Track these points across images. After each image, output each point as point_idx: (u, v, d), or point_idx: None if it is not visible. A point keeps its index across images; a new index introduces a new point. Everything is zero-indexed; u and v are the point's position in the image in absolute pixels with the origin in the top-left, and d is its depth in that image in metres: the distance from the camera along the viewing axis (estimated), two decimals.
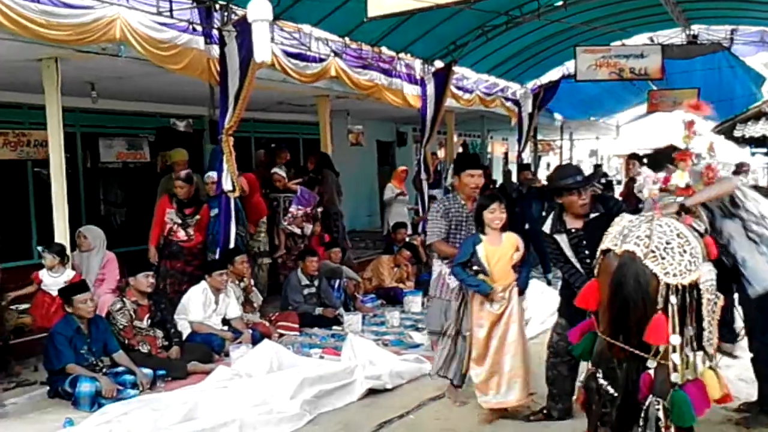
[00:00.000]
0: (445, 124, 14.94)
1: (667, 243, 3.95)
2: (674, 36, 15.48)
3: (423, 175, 12.72)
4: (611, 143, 30.05)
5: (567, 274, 5.17)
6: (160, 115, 11.47)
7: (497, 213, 5.41)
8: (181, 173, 8.64)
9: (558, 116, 19.50)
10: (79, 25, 6.62)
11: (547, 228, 5.22)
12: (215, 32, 8.12)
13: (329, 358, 7.15)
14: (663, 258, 3.91)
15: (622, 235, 4.11)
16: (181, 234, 8.41)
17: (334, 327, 8.53)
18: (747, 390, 5.69)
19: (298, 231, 9.72)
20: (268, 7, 7.36)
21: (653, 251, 3.94)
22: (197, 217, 8.48)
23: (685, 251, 3.94)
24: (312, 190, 10.31)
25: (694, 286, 3.95)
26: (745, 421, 5.28)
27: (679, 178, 4.40)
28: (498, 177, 20.40)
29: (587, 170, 20.57)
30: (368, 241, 13.84)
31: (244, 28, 7.71)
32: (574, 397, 4.58)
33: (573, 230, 5.12)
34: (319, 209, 10.33)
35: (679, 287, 3.91)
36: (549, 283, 9.91)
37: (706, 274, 4.00)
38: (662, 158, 5.26)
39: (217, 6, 8.21)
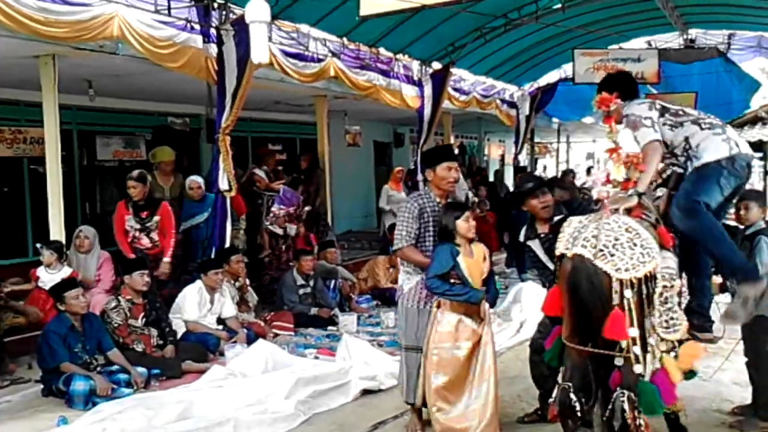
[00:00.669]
0: (442, 126, 14.95)
1: (616, 239, 3.97)
2: (671, 40, 15.54)
3: (419, 177, 12.70)
4: (608, 146, 30.02)
5: (546, 279, 5.29)
6: (157, 113, 11.47)
7: (471, 222, 5.06)
8: (133, 172, 8.03)
9: (555, 119, 19.50)
10: (77, 23, 6.61)
11: (522, 236, 5.38)
12: (213, 31, 8.11)
13: (324, 358, 7.14)
14: (612, 255, 3.94)
15: (573, 237, 4.14)
16: (145, 241, 7.88)
17: (329, 327, 8.52)
18: (741, 393, 5.72)
19: (279, 231, 9.57)
20: (266, 8, 7.37)
21: (601, 250, 3.96)
22: (156, 218, 7.88)
23: (635, 244, 3.96)
24: (296, 189, 10.26)
25: (651, 277, 3.98)
26: (739, 424, 5.30)
27: (617, 172, 4.41)
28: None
29: (583, 173, 20.59)
30: (364, 242, 13.83)
31: (241, 28, 7.72)
32: (549, 411, 4.55)
33: (542, 235, 5.24)
34: (307, 209, 10.28)
35: (634, 281, 3.93)
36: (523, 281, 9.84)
37: (663, 262, 4.03)
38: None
39: (215, 5, 8.20)
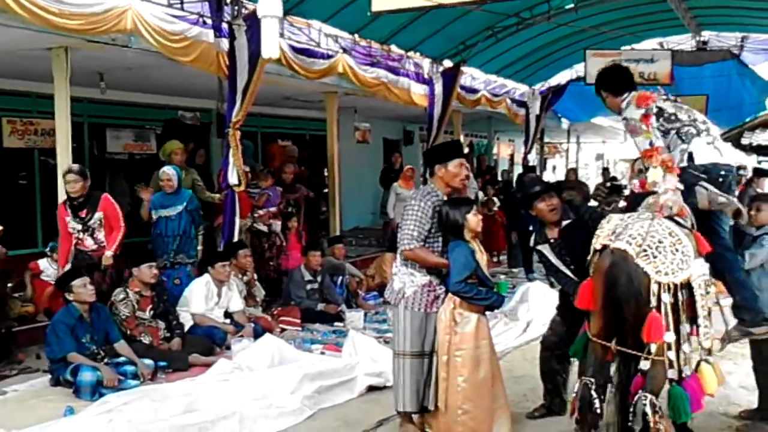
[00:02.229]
0: (452, 124, 14.93)
1: (660, 242, 3.97)
2: (684, 42, 15.48)
3: (428, 175, 12.66)
4: (618, 147, 29.97)
5: (560, 283, 5.25)
6: (168, 107, 11.51)
7: (478, 216, 4.96)
8: (73, 165, 7.21)
9: (564, 120, 19.44)
10: (91, 15, 6.64)
11: (532, 242, 5.35)
12: (225, 26, 8.13)
13: (330, 354, 7.13)
14: (655, 257, 3.93)
15: (615, 233, 4.12)
16: (89, 242, 7.09)
17: (336, 323, 8.53)
18: (748, 397, 5.70)
19: (264, 228, 9.33)
20: (278, 3, 7.37)
21: (645, 250, 3.95)
22: (98, 215, 7.09)
23: (677, 250, 3.96)
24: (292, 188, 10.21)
25: (686, 283, 3.97)
26: (745, 428, 5.27)
27: (655, 175, 4.37)
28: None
29: (595, 174, 20.48)
30: (372, 239, 13.83)
31: (253, 23, 7.73)
32: (568, 407, 4.55)
33: (552, 240, 5.20)
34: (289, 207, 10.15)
35: (671, 285, 3.92)
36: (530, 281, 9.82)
37: (698, 270, 4.03)
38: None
39: (228, 0, 8.21)
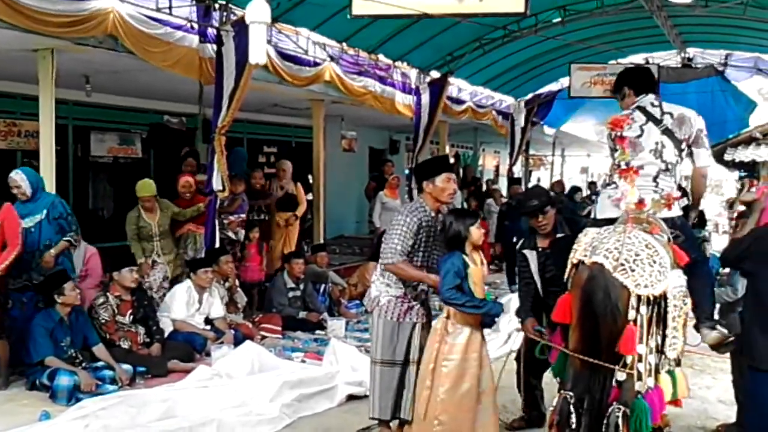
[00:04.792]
0: (438, 134, 14.97)
1: (636, 255, 3.99)
2: (669, 58, 15.60)
3: (414, 184, 12.70)
4: (603, 161, 30.14)
5: (521, 292, 5.35)
6: (154, 111, 11.47)
7: (481, 229, 4.93)
8: None
9: (549, 130, 19.41)
10: (72, 16, 6.57)
11: (519, 245, 5.44)
12: (213, 31, 8.11)
13: (311, 362, 7.12)
14: (633, 270, 3.95)
15: (592, 246, 4.14)
16: None
17: (318, 331, 8.52)
18: (726, 412, 5.73)
19: (232, 235, 9.08)
20: (267, 10, 7.37)
21: (622, 264, 3.97)
22: None
23: (654, 262, 3.98)
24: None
25: (663, 295, 4.00)
26: None
27: (631, 195, 4.41)
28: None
29: (578, 184, 20.52)
30: (356, 247, 13.80)
31: (241, 29, 7.72)
32: (547, 420, 4.56)
33: (540, 249, 5.28)
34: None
35: (650, 298, 3.94)
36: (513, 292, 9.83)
37: (675, 281, 4.05)
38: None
39: (217, 5, 8.20)
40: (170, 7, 7.69)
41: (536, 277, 5.27)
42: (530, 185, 17.54)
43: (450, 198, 5.13)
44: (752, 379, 4.52)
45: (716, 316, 4.88)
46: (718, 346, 4.61)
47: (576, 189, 17.16)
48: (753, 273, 4.56)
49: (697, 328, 4.47)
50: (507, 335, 8.25)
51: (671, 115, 4.67)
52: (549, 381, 5.19)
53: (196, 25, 7.99)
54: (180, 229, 8.57)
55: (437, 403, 4.80)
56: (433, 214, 5.06)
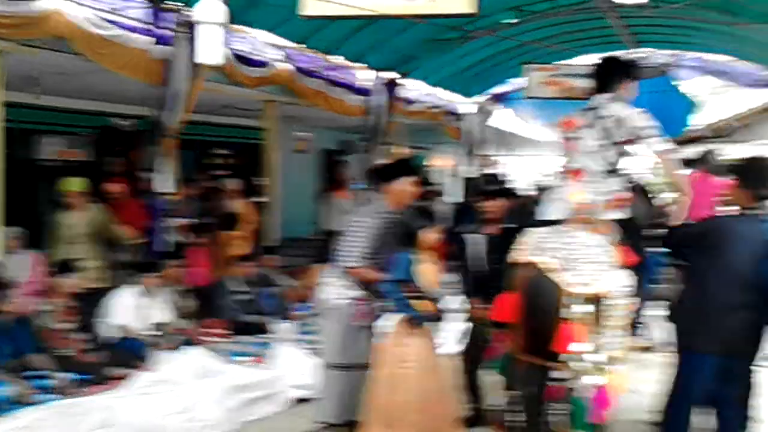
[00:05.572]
0: (392, 135, 14.95)
1: (578, 254, 4.02)
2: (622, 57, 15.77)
3: (366, 185, 12.68)
4: (555, 161, 30.32)
5: (464, 275, 5.37)
6: (104, 113, 11.28)
7: (435, 235, 5.04)
8: None
9: (504, 126, 19.43)
10: (21, 17, 6.43)
11: (463, 228, 5.60)
12: (166, 32, 8.01)
13: (257, 366, 7.06)
14: (573, 269, 3.98)
15: (534, 247, 4.19)
16: None
17: (265, 335, 8.38)
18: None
19: (180, 239, 8.90)
20: (221, 11, 7.29)
21: (563, 263, 4.00)
22: None
23: (596, 261, 4.02)
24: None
25: (604, 294, 4.03)
26: None
27: (577, 194, 4.46)
28: None
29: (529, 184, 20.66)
30: (306, 249, 13.68)
31: (195, 30, 7.64)
32: (490, 417, 4.62)
33: (491, 235, 5.47)
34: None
35: (589, 296, 3.98)
36: None
37: (618, 281, 4.09)
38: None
39: (170, 6, 8.09)
40: (120, 9, 7.57)
41: (481, 260, 5.30)
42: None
43: (411, 201, 5.29)
44: (685, 361, 4.68)
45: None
46: (641, 350, 4.77)
47: (543, 188, 17.23)
48: (692, 262, 4.73)
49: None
50: (448, 335, 8.26)
51: (613, 117, 4.72)
52: (493, 379, 5.21)
53: (148, 27, 7.87)
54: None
55: (400, 407, 4.79)
56: (393, 216, 5.13)
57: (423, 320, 4.83)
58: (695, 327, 4.60)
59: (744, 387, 4.78)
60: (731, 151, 16.68)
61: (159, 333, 7.46)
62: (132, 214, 8.60)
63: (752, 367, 5.51)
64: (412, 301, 4.87)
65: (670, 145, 4.70)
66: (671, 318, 4.94)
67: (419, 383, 4.83)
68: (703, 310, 4.56)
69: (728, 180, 4.99)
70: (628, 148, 4.78)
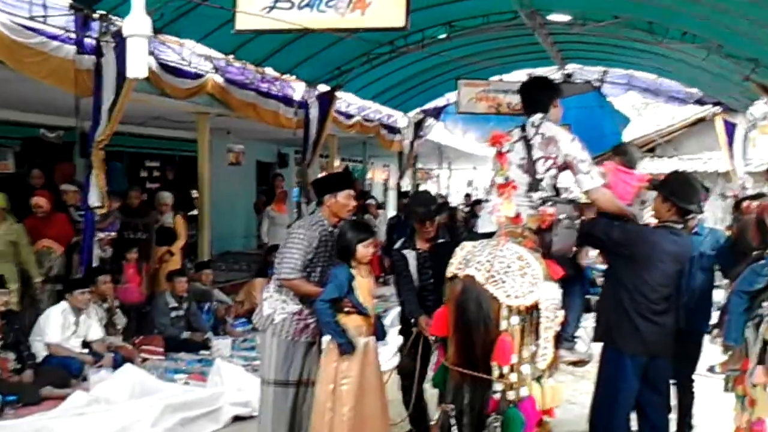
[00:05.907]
0: (327, 148, 14.95)
1: (508, 266, 4.08)
2: (550, 73, 16.07)
3: (303, 198, 12.64)
4: (488, 174, 30.78)
5: (404, 291, 5.49)
6: (29, 124, 10.92)
7: (370, 249, 4.97)
8: None
9: (438, 141, 19.64)
10: None
11: (398, 245, 5.55)
12: (92, 42, 7.80)
13: (195, 383, 6.94)
14: (504, 281, 4.03)
15: (466, 260, 4.22)
16: None
17: (202, 351, 8.30)
18: None
19: (101, 253, 8.55)
20: (147, 22, 7.10)
21: (493, 276, 4.04)
22: None
23: (525, 273, 4.08)
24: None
25: (535, 306, 4.08)
26: None
27: (507, 208, 4.51)
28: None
29: (460, 198, 20.82)
30: (243, 263, 13.57)
31: (122, 40, 7.43)
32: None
33: (421, 250, 5.43)
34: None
35: (521, 309, 4.02)
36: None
37: (546, 293, 4.14)
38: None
39: (96, 15, 7.88)
40: (45, 16, 7.34)
41: (415, 277, 5.41)
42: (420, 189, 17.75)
43: (348, 214, 5.17)
44: (609, 358, 4.80)
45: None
46: (575, 364, 4.84)
47: (478, 201, 17.41)
48: (613, 265, 4.88)
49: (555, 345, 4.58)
50: (396, 348, 8.27)
51: (543, 135, 4.77)
52: (434, 393, 5.21)
53: (73, 35, 7.65)
54: (35, 244, 8.03)
55: (343, 423, 4.73)
56: (330, 229, 5.06)
57: (350, 348, 4.75)
58: (617, 328, 4.76)
59: (666, 391, 4.97)
60: (658, 166, 17.43)
61: (91, 351, 7.26)
62: (58, 229, 8.32)
63: (694, 377, 5.74)
64: (348, 317, 4.81)
65: (596, 182, 4.72)
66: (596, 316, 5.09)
67: (359, 400, 4.78)
68: (625, 313, 4.72)
69: (643, 173, 5.14)
70: (551, 165, 4.80)
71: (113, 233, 8.83)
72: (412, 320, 5.39)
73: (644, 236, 4.79)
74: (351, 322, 4.83)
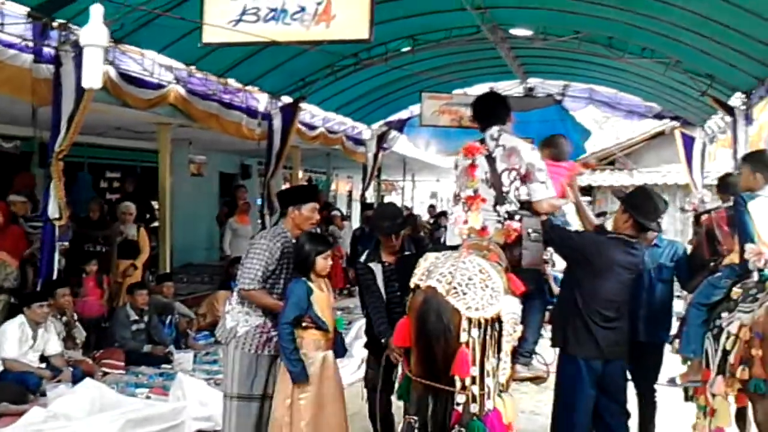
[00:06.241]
0: (290, 159, 14.90)
1: (469, 279, 4.10)
2: (512, 87, 16.27)
3: (266, 210, 12.57)
4: (451, 185, 30.97)
5: (372, 307, 5.46)
6: None
7: (329, 261, 5.00)
8: None
9: (403, 152, 19.68)
10: None
11: (363, 258, 5.52)
12: (50, 51, 7.68)
13: (156, 398, 6.84)
14: (465, 294, 4.05)
15: (428, 271, 4.24)
16: None
17: (164, 365, 8.17)
18: None
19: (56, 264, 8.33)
20: (104, 33, 7.03)
21: (455, 287, 4.06)
22: None
23: (486, 286, 4.11)
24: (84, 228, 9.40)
25: (496, 319, 4.10)
26: None
27: (474, 220, 4.56)
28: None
29: (425, 210, 20.88)
30: (205, 276, 13.44)
31: (82, 50, 7.35)
32: None
33: (386, 263, 5.41)
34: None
35: (482, 321, 4.04)
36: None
37: (507, 307, 4.17)
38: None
39: (55, 24, 7.78)
40: (2, 24, 7.22)
41: (382, 290, 5.38)
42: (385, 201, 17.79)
43: (311, 227, 5.23)
44: (566, 364, 4.89)
45: None
46: (532, 380, 4.88)
47: (442, 213, 17.49)
48: (570, 269, 4.99)
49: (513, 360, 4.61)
50: (361, 360, 8.25)
51: (504, 147, 4.81)
52: (401, 405, 5.21)
53: (30, 44, 7.54)
54: None
55: None
56: (293, 241, 5.06)
57: (302, 378, 4.72)
58: (573, 333, 4.84)
59: (623, 398, 5.03)
60: (618, 179, 17.70)
61: (50, 366, 7.12)
62: (12, 241, 8.13)
63: (656, 387, 5.80)
64: (306, 331, 4.79)
65: (549, 193, 4.80)
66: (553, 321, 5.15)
67: (317, 414, 4.77)
68: (580, 318, 4.81)
69: (575, 163, 5.20)
70: (515, 177, 4.84)
71: (66, 243, 8.67)
72: (383, 340, 5.35)
73: (598, 246, 4.88)
74: (309, 336, 4.82)
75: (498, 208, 4.74)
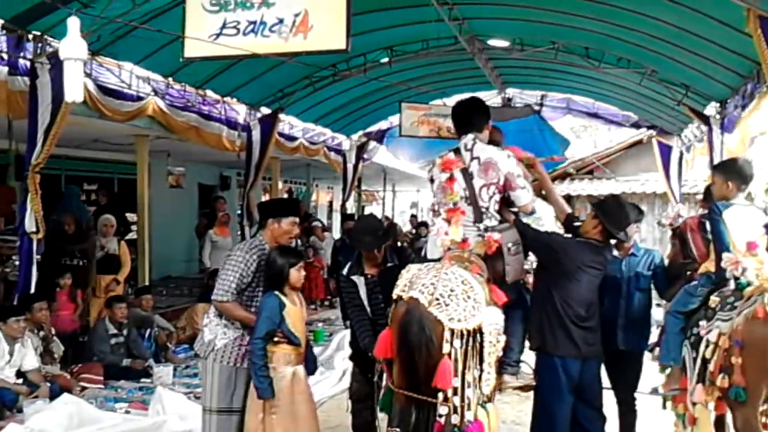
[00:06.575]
0: (270, 171, 14.87)
1: (452, 290, 4.12)
2: (491, 98, 16.35)
3: (246, 221, 12.53)
4: (431, 196, 31.01)
5: (356, 321, 5.40)
6: None
7: (302, 272, 4.95)
8: None
9: (383, 163, 19.70)
10: None
11: (345, 271, 5.45)
12: (26, 63, 7.63)
13: (136, 412, 6.79)
14: (447, 305, 4.06)
15: (410, 282, 4.25)
16: None
17: (143, 379, 8.12)
18: None
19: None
20: (83, 46, 7.00)
21: (437, 299, 4.08)
22: None
23: (469, 297, 4.13)
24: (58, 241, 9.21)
25: (478, 330, 4.11)
26: None
27: (455, 233, 4.58)
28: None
29: (406, 220, 20.91)
30: (184, 288, 13.36)
31: (58, 62, 7.29)
32: None
33: (369, 276, 5.35)
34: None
35: (464, 332, 4.05)
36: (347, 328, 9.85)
37: (489, 318, 4.18)
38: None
39: (31, 36, 7.73)
40: None
41: (366, 303, 5.33)
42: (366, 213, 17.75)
43: (289, 241, 5.18)
44: (542, 362, 4.94)
45: None
46: (521, 389, 4.90)
47: (423, 224, 17.52)
48: (543, 269, 5.02)
49: (500, 371, 4.62)
50: (342, 372, 8.24)
51: (479, 160, 4.81)
52: (383, 417, 5.20)
53: (5, 56, 7.48)
54: None
55: None
56: (267, 253, 4.98)
57: (268, 394, 4.66)
58: (550, 333, 4.87)
59: (599, 403, 5.06)
60: (597, 188, 17.79)
61: (27, 381, 7.03)
62: None
63: (636, 395, 5.83)
64: (277, 346, 4.75)
65: (530, 197, 4.85)
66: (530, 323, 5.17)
67: (288, 428, 4.72)
68: (556, 318, 4.84)
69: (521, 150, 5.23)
70: (494, 192, 4.84)
71: (38, 257, 8.58)
72: (369, 355, 5.31)
73: (566, 249, 4.91)
74: (280, 351, 4.79)
75: (478, 224, 4.76)
